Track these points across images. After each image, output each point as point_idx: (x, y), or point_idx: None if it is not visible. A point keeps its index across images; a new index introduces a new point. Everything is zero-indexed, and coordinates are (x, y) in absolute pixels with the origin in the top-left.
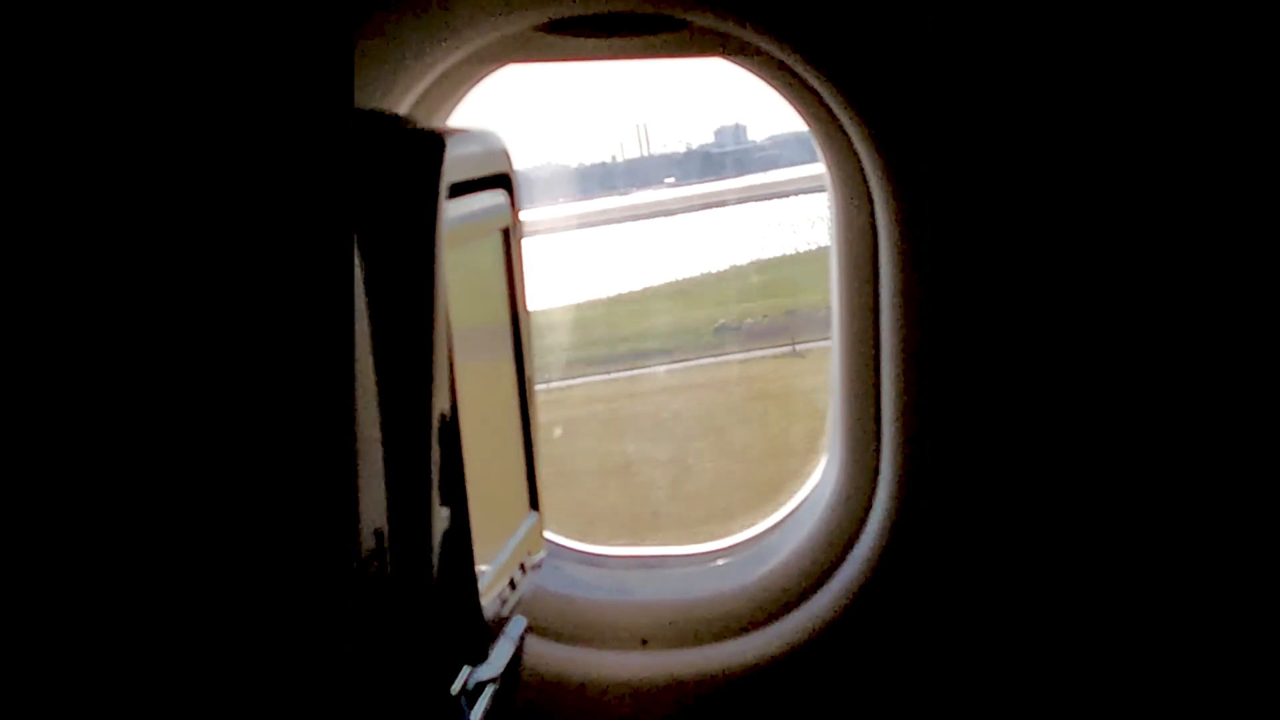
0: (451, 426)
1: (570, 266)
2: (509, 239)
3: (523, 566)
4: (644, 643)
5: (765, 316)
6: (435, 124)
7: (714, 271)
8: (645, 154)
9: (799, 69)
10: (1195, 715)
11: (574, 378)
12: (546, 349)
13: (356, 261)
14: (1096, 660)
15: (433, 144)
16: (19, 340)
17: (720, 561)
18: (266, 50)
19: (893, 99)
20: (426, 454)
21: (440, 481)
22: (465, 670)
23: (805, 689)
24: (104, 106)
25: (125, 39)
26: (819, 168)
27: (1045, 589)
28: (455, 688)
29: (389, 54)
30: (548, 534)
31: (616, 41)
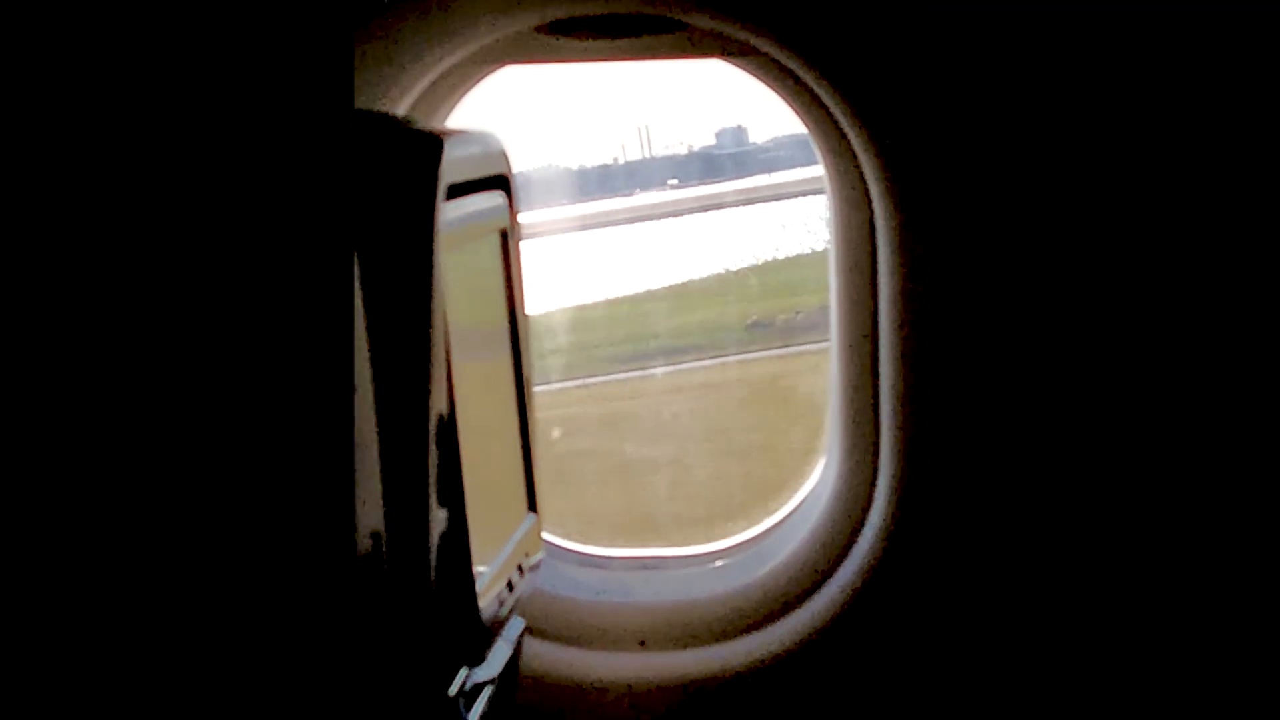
0: (449, 427)
1: (586, 266)
2: (507, 240)
3: (521, 568)
4: (642, 644)
5: (798, 313)
6: (433, 125)
7: (731, 270)
8: (647, 156)
9: (797, 70)
10: (1195, 715)
11: (610, 374)
12: (578, 346)
13: (354, 262)
14: (1096, 660)
15: (431, 145)
16: (19, 341)
17: (719, 563)
18: (265, 50)
19: (891, 101)
20: (424, 455)
21: (438, 483)
22: (463, 672)
23: (804, 690)
24: (103, 107)
25: (124, 39)
26: (821, 169)
27: (1044, 589)
28: (453, 689)
29: (387, 55)
30: (546, 535)
31: (615, 43)
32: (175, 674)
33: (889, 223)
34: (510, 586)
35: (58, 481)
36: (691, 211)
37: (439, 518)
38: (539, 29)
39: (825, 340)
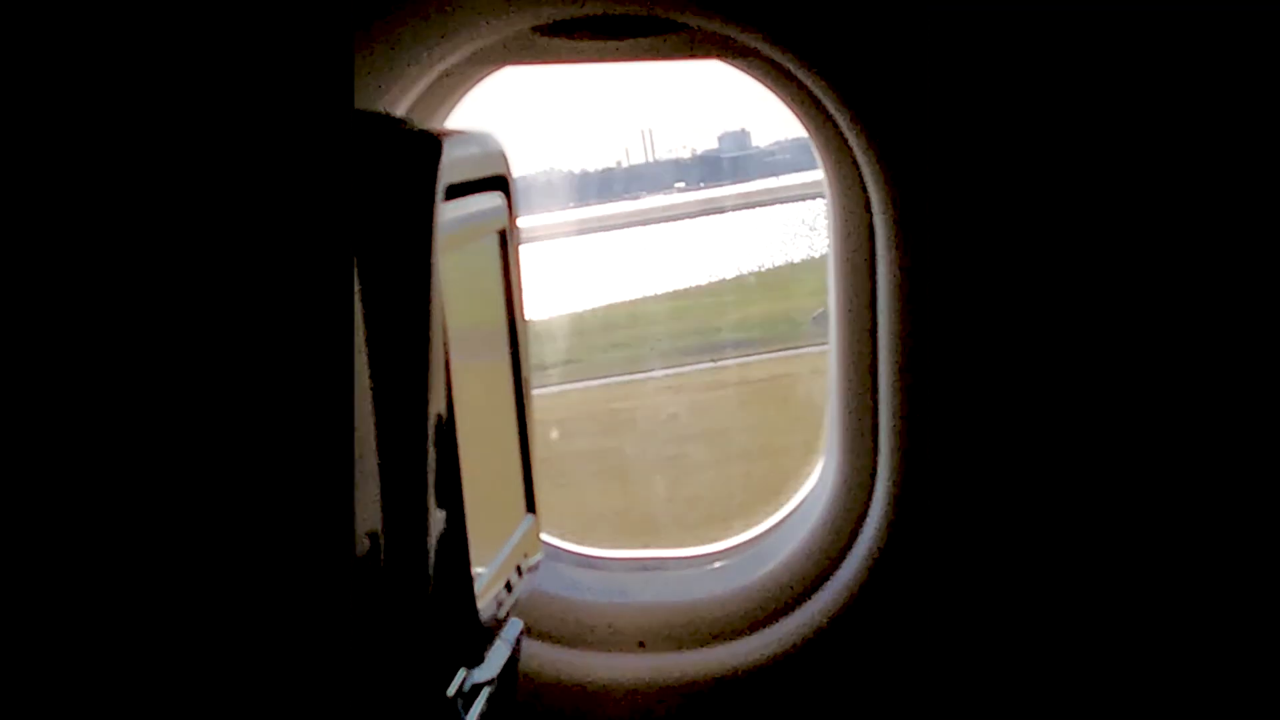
0: (448, 428)
1: (621, 265)
2: (506, 241)
3: (519, 569)
4: (641, 645)
5: None
6: (432, 125)
7: (776, 265)
8: (650, 159)
9: (796, 72)
10: (1195, 715)
11: (677, 366)
12: (639, 339)
13: (353, 263)
14: (1096, 660)
15: (429, 145)
16: (19, 341)
17: (718, 564)
18: (264, 51)
19: (890, 103)
20: (422, 456)
21: (436, 483)
22: (461, 673)
23: (804, 690)
24: (103, 107)
25: (123, 40)
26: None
27: (1044, 590)
28: (451, 690)
29: (386, 55)
30: (545, 536)
31: (614, 44)
32: (175, 674)
33: (888, 224)
34: (509, 587)
35: (57, 482)
36: (705, 213)
37: (437, 518)
38: (538, 30)
39: None
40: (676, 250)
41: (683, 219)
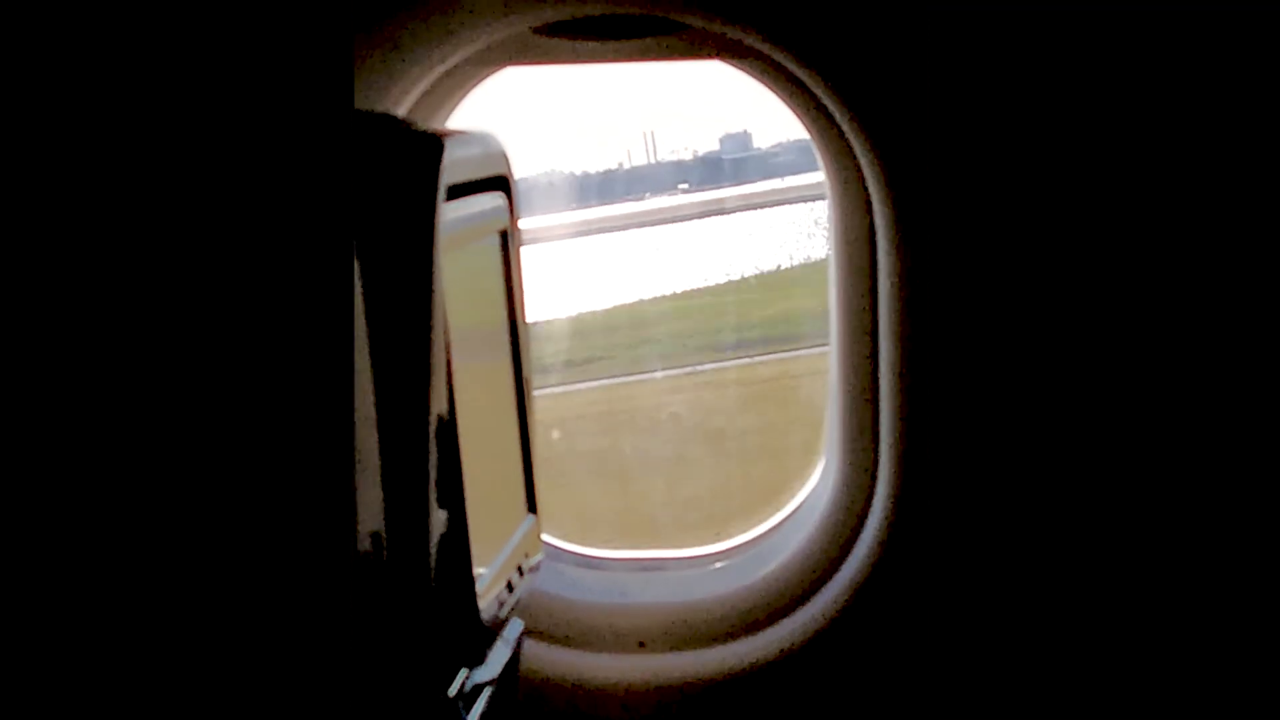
0: (449, 428)
1: (633, 265)
2: (507, 241)
3: (520, 569)
4: (641, 645)
5: None
6: (434, 126)
7: (786, 266)
8: (653, 161)
9: (797, 72)
10: (1195, 715)
11: (715, 362)
12: (673, 335)
13: (355, 262)
14: (1096, 660)
15: (431, 146)
16: (20, 340)
17: (718, 564)
18: (265, 52)
19: (891, 104)
20: (424, 456)
21: (438, 484)
22: (462, 673)
23: (803, 692)
24: (104, 108)
25: (125, 41)
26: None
27: (1043, 591)
28: (452, 690)
29: (387, 56)
30: (545, 536)
31: (614, 44)
32: (176, 674)
33: (888, 226)
34: (510, 587)
35: (60, 482)
36: (710, 215)
37: (439, 519)
38: (538, 30)
39: None
40: (692, 250)
41: (690, 219)
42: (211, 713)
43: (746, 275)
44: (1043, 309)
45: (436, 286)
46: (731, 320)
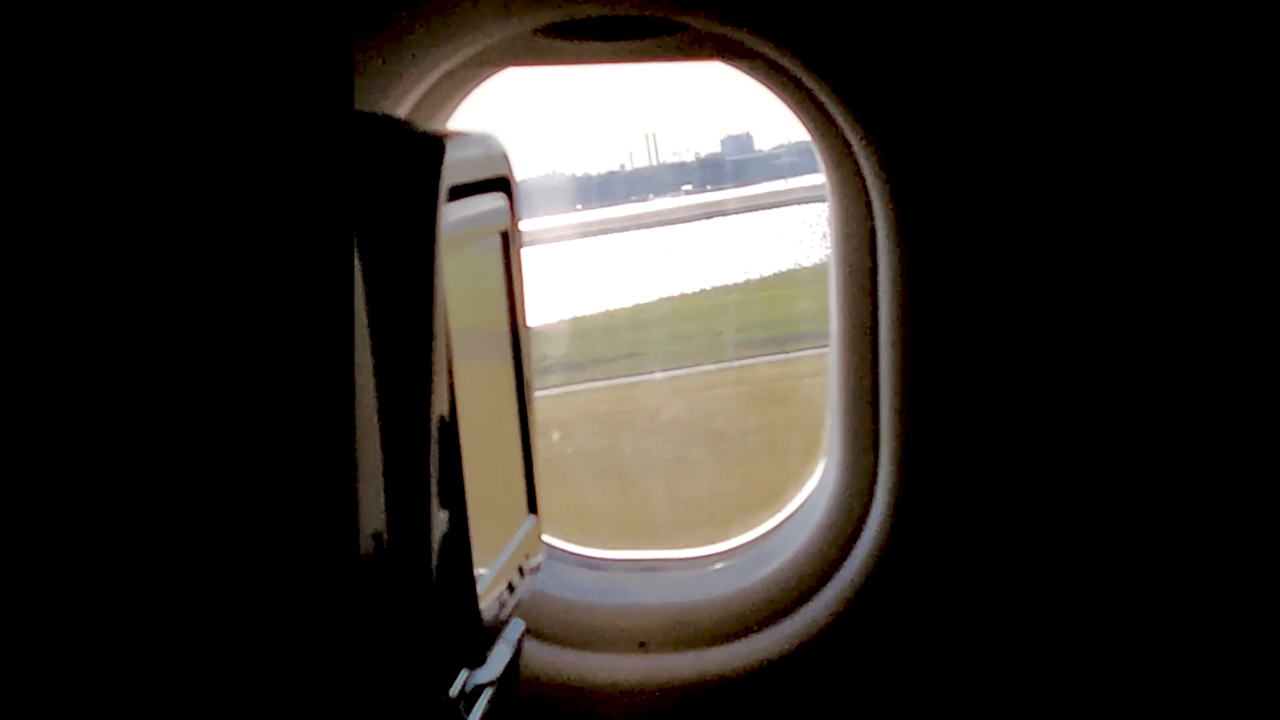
0: (450, 429)
1: (646, 264)
2: (508, 242)
3: (521, 570)
4: (642, 646)
5: None
6: (434, 127)
7: (809, 264)
8: (655, 163)
9: (798, 73)
10: (1195, 715)
11: (749, 358)
12: (706, 332)
13: (356, 264)
14: (1096, 660)
15: (432, 147)
16: (21, 340)
17: (719, 565)
18: (266, 53)
19: (891, 105)
20: (425, 456)
21: (439, 484)
22: (463, 673)
23: (804, 692)
24: (105, 108)
25: (126, 41)
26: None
27: (1044, 592)
28: (453, 691)
29: (388, 57)
30: (546, 537)
31: (614, 45)
32: (177, 674)
33: (889, 227)
34: (511, 588)
35: (61, 483)
36: (720, 215)
37: (440, 519)
38: (538, 31)
39: None
40: (709, 249)
41: (698, 220)
42: (213, 713)
43: (769, 274)
44: (1043, 310)
45: (437, 287)
46: (770, 316)
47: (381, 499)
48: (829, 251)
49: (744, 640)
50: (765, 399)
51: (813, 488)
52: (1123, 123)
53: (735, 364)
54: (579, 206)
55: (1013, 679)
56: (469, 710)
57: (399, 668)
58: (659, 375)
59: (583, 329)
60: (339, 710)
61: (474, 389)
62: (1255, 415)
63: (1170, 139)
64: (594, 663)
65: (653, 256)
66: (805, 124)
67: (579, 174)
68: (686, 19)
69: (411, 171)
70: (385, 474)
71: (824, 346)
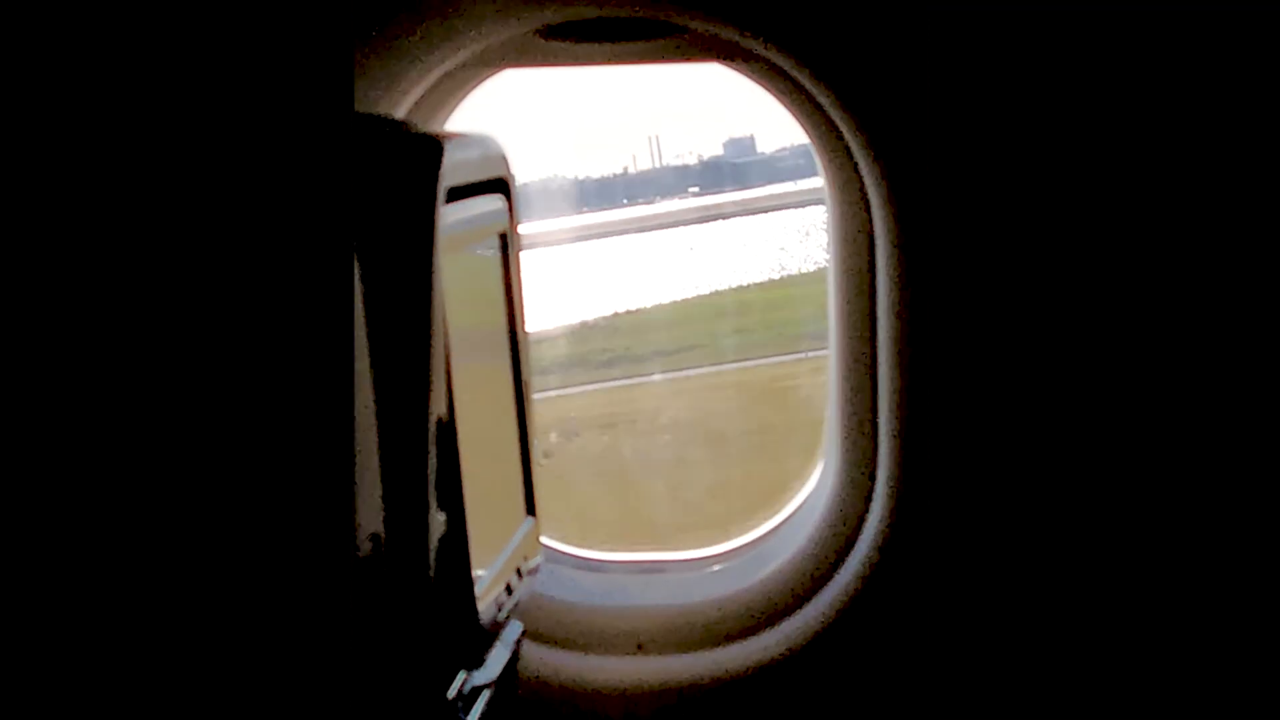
0: (449, 430)
1: (678, 262)
2: (507, 243)
3: (519, 571)
4: (640, 647)
5: None
6: (433, 128)
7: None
8: (658, 165)
9: (797, 76)
10: (1195, 715)
11: (807, 351)
12: (757, 325)
13: (355, 264)
14: (1095, 660)
15: (430, 148)
16: (22, 341)
17: (717, 567)
18: (266, 54)
19: (889, 107)
20: (423, 458)
21: (437, 486)
22: (461, 675)
23: (802, 694)
24: (105, 109)
25: (126, 43)
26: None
27: (1042, 593)
28: (451, 692)
29: (387, 58)
30: (544, 539)
31: (613, 47)
32: (175, 675)
33: (887, 229)
34: (509, 590)
35: (61, 484)
36: (732, 216)
37: (438, 521)
38: (537, 33)
39: None
40: (729, 247)
41: (712, 220)
42: (211, 714)
43: (811, 269)
44: (1041, 311)
45: (436, 288)
46: (810, 311)
47: (379, 500)
48: (827, 252)
49: (742, 642)
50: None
51: (811, 489)
52: (1120, 125)
53: (809, 355)
54: (584, 209)
55: (1011, 680)
56: (467, 712)
57: (397, 669)
58: (731, 366)
59: (630, 324)
60: (337, 711)
61: (472, 390)
62: (1254, 414)
63: (1167, 141)
64: (592, 664)
65: (679, 255)
66: (804, 126)
67: (582, 177)
68: (685, 21)
69: (410, 172)
70: (383, 475)
71: None
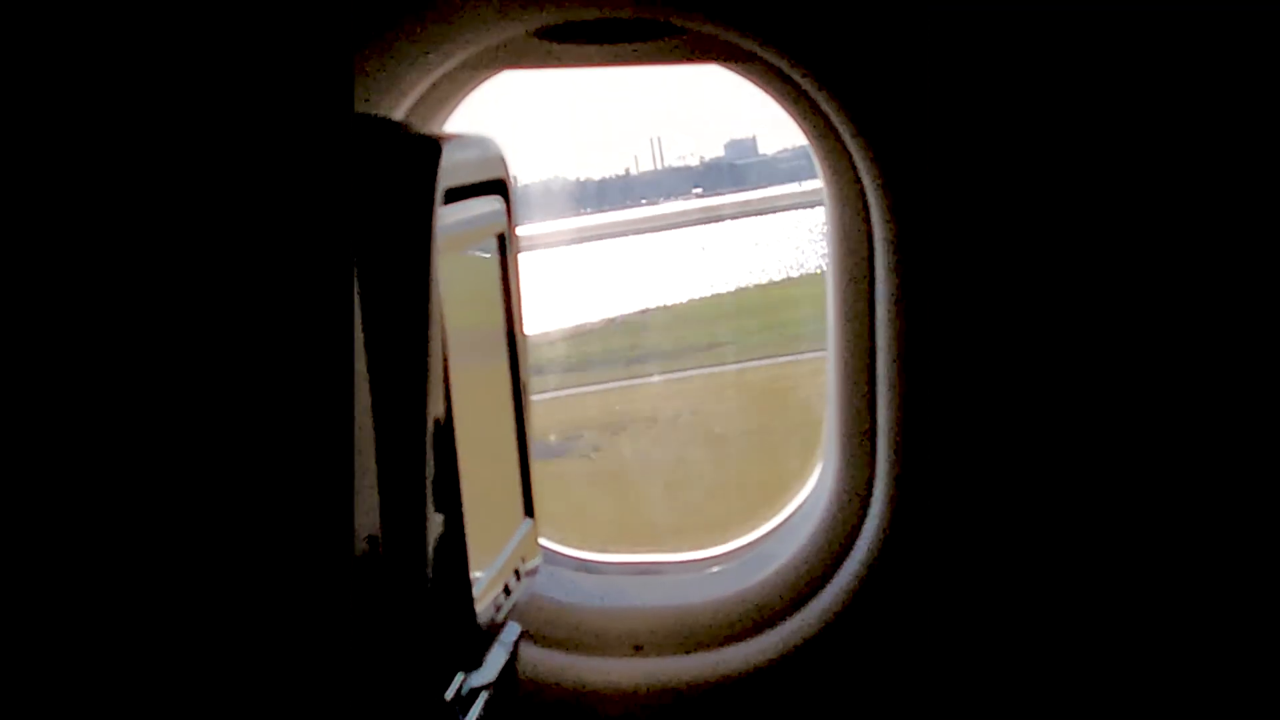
0: (446, 431)
1: (695, 261)
2: (505, 244)
3: (517, 572)
4: (638, 649)
5: None
6: (431, 129)
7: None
8: (660, 167)
9: (795, 77)
10: (1195, 715)
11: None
12: (786, 323)
13: (352, 265)
14: (1093, 661)
15: (429, 149)
16: (21, 342)
17: (715, 568)
18: (265, 56)
19: (888, 109)
20: (421, 459)
21: (435, 487)
22: (459, 676)
23: (800, 696)
24: (104, 110)
25: (126, 44)
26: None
27: (1040, 595)
28: (449, 694)
29: (385, 59)
30: (543, 540)
31: (611, 48)
32: (172, 676)
33: (886, 230)
34: (507, 591)
35: (59, 485)
36: (739, 216)
37: (436, 522)
38: (535, 34)
39: None
40: (744, 246)
41: (719, 221)
42: (209, 715)
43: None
44: (1039, 314)
45: (433, 289)
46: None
47: (377, 501)
48: (826, 254)
49: (740, 643)
50: None
51: (809, 491)
52: (1117, 128)
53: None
54: (587, 210)
55: (1010, 682)
56: (464, 713)
57: (395, 670)
58: (765, 361)
59: (658, 321)
60: (335, 712)
61: (470, 391)
62: (1251, 414)
63: (1165, 143)
64: (590, 666)
65: (693, 255)
66: (803, 128)
67: (584, 178)
68: (684, 23)
69: (407, 173)
70: (381, 476)
71: None
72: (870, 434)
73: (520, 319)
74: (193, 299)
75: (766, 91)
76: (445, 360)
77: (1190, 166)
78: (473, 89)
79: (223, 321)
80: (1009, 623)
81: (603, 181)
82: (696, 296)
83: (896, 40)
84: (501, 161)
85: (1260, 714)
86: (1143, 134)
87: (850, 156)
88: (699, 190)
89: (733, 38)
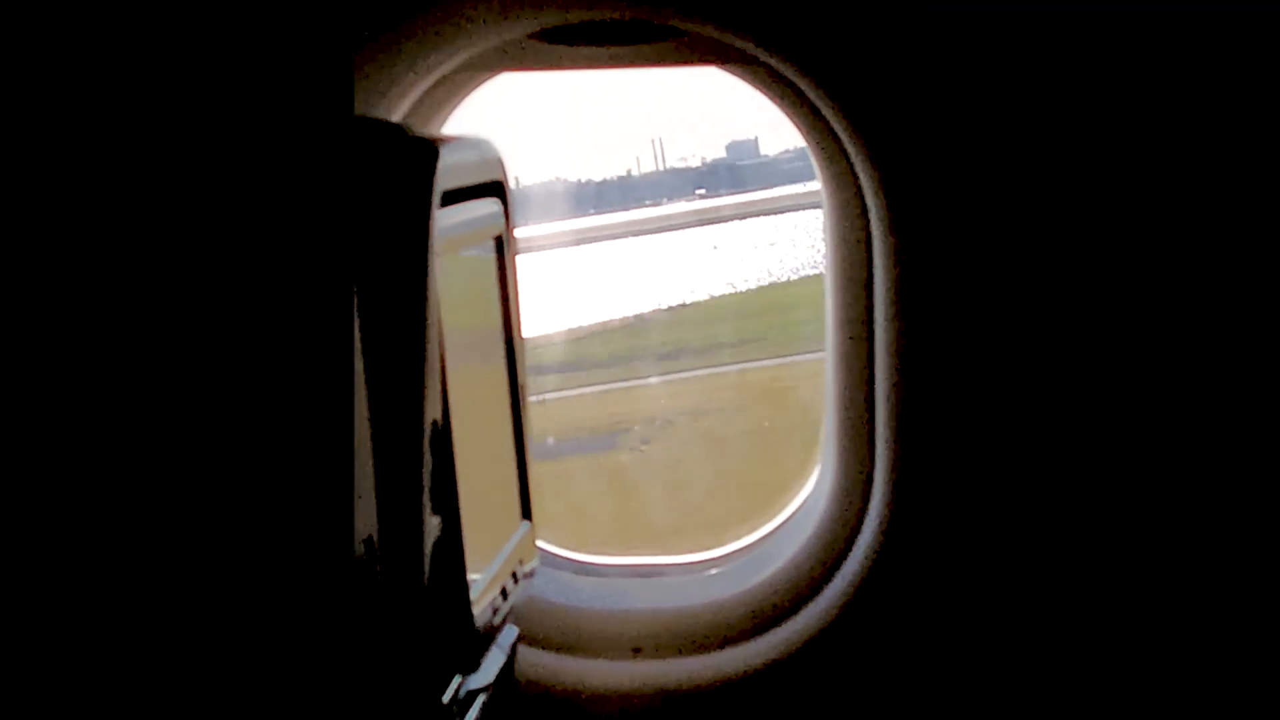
0: (443, 434)
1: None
2: (502, 246)
3: (515, 575)
4: (636, 652)
5: None
6: (429, 132)
7: None
8: (661, 168)
9: (793, 79)
10: (1195, 715)
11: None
12: (799, 322)
13: (350, 268)
14: (1093, 661)
15: (426, 151)
16: (21, 343)
17: (713, 570)
18: (264, 57)
19: (886, 111)
20: (418, 462)
21: (432, 490)
22: (456, 679)
23: (798, 698)
24: (103, 111)
25: (125, 45)
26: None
27: (1039, 595)
28: (446, 697)
29: (383, 61)
30: (540, 542)
31: (610, 50)
32: (170, 678)
33: (884, 232)
34: (504, 594)
35: (58, 486)
36: (746, 216)
37: (433, 525)
38: (534, 36)
39: None
40: (757, 245)
41: (722, 221)
42: (207, 716)
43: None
44: (1037, 315)
45: (431, 292)
46: None
47: (374, 504)
48: (824, 256)
49: (739, 646)
50: None
51: (808, 492)
52: (1115, 128)
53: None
54: (589, 211)
55: (1009, 683)
56: (462, 716)
57: (392, 673)
58: (797, 357)
59: (684, 319)
60: (333, 715)
61: (468, 394)
62: (1250, 413)
63: (1163, 143)
64: (588, 668)
65: (705, 255)
66: (801, 130)
67: (585, 180)
68: (683, 24)
69: (405, 176)
70: (378, 479)
71: None
72: (868, 435)
73: (518, 321)
74: (190, 300)
75: (765, 94)
76: (443, 363)
77: (1189, 167)
78: (472, 90)
79: (220, 323)
80: (1008, 624)
81: (604, 183)
82: (718, 294)
83: (895, 43)
84: (499, 163)
85: (1260, 714)
86: (1141, 135)
87: (848, 159)
88: (702, 191)
89: (731, 40)
